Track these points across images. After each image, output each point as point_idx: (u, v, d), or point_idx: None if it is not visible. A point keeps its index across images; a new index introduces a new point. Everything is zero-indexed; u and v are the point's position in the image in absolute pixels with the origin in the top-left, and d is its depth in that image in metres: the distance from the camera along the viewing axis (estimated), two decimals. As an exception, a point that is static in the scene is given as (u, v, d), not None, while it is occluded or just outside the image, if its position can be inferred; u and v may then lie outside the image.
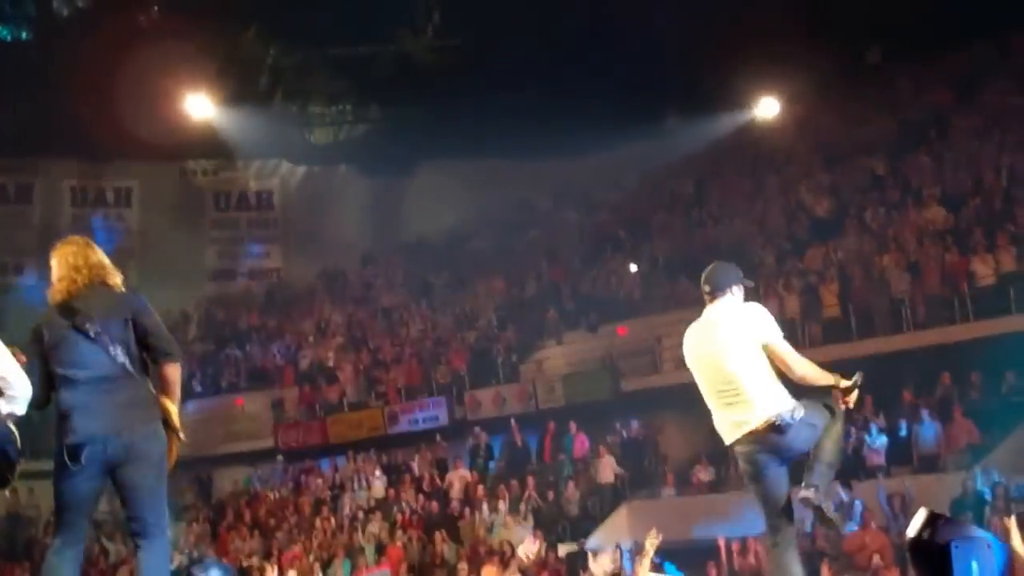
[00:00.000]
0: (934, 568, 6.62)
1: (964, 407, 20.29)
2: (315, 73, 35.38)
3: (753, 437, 6.91)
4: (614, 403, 25.43)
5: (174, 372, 6.21)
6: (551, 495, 24.29)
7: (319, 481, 28.91)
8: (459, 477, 25.96)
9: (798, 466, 7.18)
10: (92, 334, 6.04)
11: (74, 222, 37.65)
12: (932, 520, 7.29)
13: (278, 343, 34.64)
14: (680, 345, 23.16)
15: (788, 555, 7.10)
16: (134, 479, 6.04)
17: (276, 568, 21.06)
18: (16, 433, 5.98)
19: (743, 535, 19.64)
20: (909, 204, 24.68)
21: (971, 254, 21.70)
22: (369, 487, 27.49)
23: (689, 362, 7.25)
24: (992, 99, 26.34)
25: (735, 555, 19.11)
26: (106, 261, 6.33)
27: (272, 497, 28.94)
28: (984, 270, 21.35)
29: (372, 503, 26.79)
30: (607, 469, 24.20)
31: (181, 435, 6.24)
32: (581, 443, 25.31)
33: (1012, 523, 6.36)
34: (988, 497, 18.00)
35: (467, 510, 24.64)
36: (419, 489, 26.68)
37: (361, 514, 26.24)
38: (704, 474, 23.03)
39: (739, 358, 6.95)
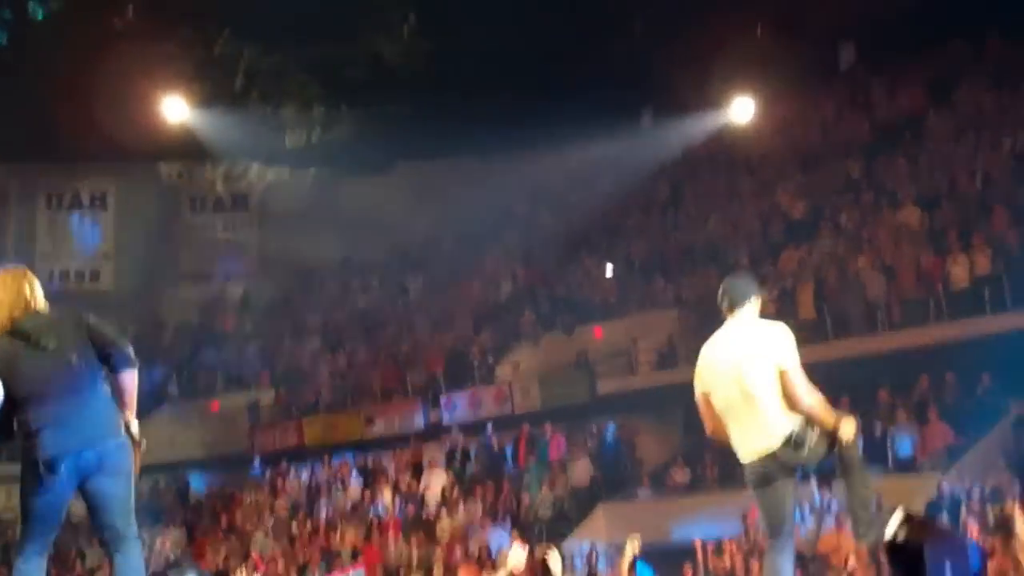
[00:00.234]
0: (908, 569, 6.64)
1: (939, 409, 20.36)
2: (290, 75, 35.24)
3: (770, 456, 7.05)
4: (590, 405, 25.43)
5: (132, 380, 6.25)
6: (527, 498, 24.27)
7: (295, 484, 28.85)
8: (435, 480, 25.93)
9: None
10: (51, 348, 6.06)
11: (49, 225, 37.52)
12: (907, 522, 7.33)
13: (254, 346, 34.54)
14: (655, 348, 23.13)
15: (783, 557, 7.21)
16: (105, 490, 6.11)
17: (250, 572, 21.01)
18: None
19: (719, 536, 19.68)
20: (884, 206, 24.73)
21: (946, 256, 21.75)
22: (345, 490, 27.44)
23: (705, 375, 7.27)
24: (967, 101, 26.41)
25: (710, 556, 19.13)
26: (39, 289, 6.33)
27: (248, 501, 28.86)
28: (959, 272, 21.39)
29: (348, 506, 26.74)
30: (583, 471, 24.20)
31: (143, 444, 6.29)
32: (557, 445, 25.30)
33: (1018, 512, 6.42)
34: (963, 499, 18.06)
35: (443, 512, 24.61)
36: (395, 492, 26.64)
37: (337, 517, 26.21)
38: (680, 476, 23.06)
39: (757, 378, 7.01)
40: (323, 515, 26.73)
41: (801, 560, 17.41)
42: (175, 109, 33.28)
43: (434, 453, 27.28)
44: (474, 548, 22.26)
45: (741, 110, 30.18)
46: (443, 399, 27.93)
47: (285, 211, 37.35)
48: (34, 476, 6.04)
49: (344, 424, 29.68)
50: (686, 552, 19.58)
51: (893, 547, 7.17)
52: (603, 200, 32.10)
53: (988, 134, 24.71)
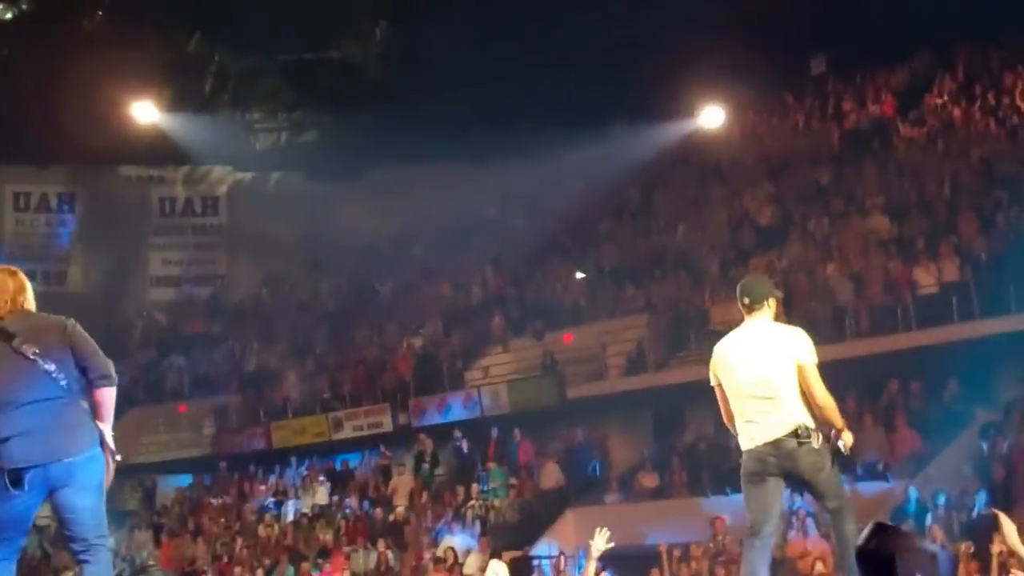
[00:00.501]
0: (879, 578, 6.64)
1: (907, 416, 20.46)
2: (261, 79, 35.20)
3: (775, 444, 7.33)
4: (559, 410, 25.43)
5: (109, 396, 6.18)
6: (496, 502, 24.26)
7: (262, 487, 28.76)
8: (403, 484, 25.89)
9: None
10: (31, 355, 5.99)
11: (17, 227, 37.26)
12: (879, 530, 7.38)
13: (222, 349, 34.42)
14: (625, 353, 23.14)
15: (760, 556, 7.49)
16: (75, 501, 6.04)
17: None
18: None
19: (686, 541, 19.74)
20: (852, 213, 24.86)
21: (914, 263, 21.88)
22: (313, 493, 27.37)
23: (723, 369, 7.55)
24: (935, 110, 26.60)
25: (677, 562, 19.17)
26: (30, 290, 6.28)
27: (215, 504, 28.76)
28: (927, 279, 21.52)
29: (316, 509, 26.68)
30: (551, 476, 24.21)
31: (117, 456, 6.23)
32: (526, 450, 25.31)
33: (1004, 519, 6.50)
34: (930, 505, 18.16)
35: (412, 517, 24.58)
36: (363, 496, 26.60)
37: (305, 520, 26.14)
38: (648, 480, 23.10)
39: (778, 372, 7.34)
40: (290, 518, 26.66)
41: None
42: (144, 112, 33.18)
43: (402, 457, 27.24)
44: (442, 552, 22.23)
45: (711, 118, 30.31)
46: (412, 403, 27.87)
47: (254, 214, 37.22)
48: (1, 484, 5.97)
49: (312, 427, 29.58)
50: (654, 557, 19.61)
51: (864, 555, 7.21)
52: (574, 205, 32.16)
53: (956, 143, 24.88)
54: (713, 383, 7.66)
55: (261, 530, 26.35)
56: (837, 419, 7.42)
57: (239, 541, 26.12)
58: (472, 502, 24.39)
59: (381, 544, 23.70)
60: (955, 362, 19.92)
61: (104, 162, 36.33)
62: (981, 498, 17.66)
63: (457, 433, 26.35)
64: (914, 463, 19.81)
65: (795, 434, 7.30)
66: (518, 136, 30.39)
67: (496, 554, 21.84)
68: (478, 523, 23.57)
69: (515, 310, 29.08)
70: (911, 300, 21.42)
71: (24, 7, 34.29)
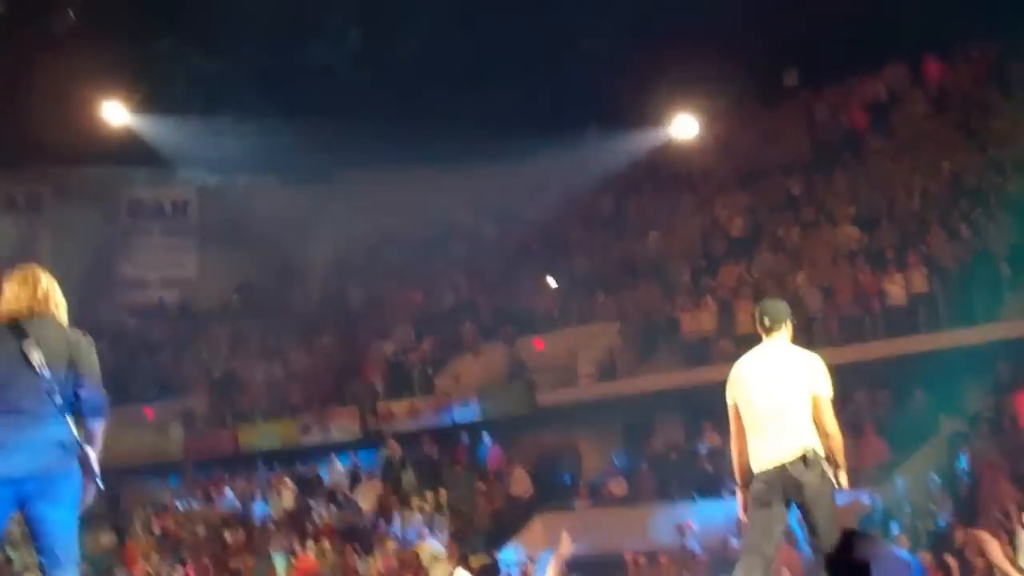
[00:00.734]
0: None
1: (874, 425, 20.55)
2: (234, 82, 35.06)
3: (782, 469, 7.49)
4: (529, 416, 25.44)
5: (101, 427, 6.17)
6: (464, 508, 24.21)
7: (229, 492, 28.61)
8: (371, 489, 25.82)
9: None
10: (35, 363, 5.95)
11: (-18, 227, 37.03)
12: (851, 537, 7.44)
13: (190, 353, 34.25)
14: (596, 360, 23.11)
15: (763, 564, 7.56)
16: (46, 517, 6.00)
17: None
18: None
19: (654, 548, 19.77)
20: (823, 224, 24.98)
21: (883, 274, 22.00)
22: (280, 498, 27.25)
23: (740, 388, 7.73)
24: (906, 122, 26.76)
25: (643, 569, 19.20)
26: (59, 294, 6.26)
27: (181, 508, 28.59)
28: (895, 290, 21.64)
29: (283, 514, 26.56)
30: (522, 482, 24.19)
31: (99, 482, 6.20)
32: (495, 456, 25.29)
33: (985, 536, 6.58)
34: (896, 514, 18.24)
35: (380, 522, 24.50)
36: (331, 501, 26.51)
37: (272, 526, 26.02)
38: (617, 487, 23.10)
39: (793, 397, 7.54)
40: (257, 523, 26.53)
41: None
42: (116, 113, 33.00)
43: (371, 462, 27.16)
44: (410, 558, 22.16)
45: (684, 127, 30.40)
46: (381, 408, 27.81)
47: (224, 218, 37.08)
48: None
49: (280, 432, 29.50)
50: (621, 564, 19.64)
51: (838, 562, 7.30)
52: (546, 213, 32.21)
53: (926, 155, 25.04)
54: (729, 402, 7.82)
55: (227, 534, 26.21)
56: (841, 455, 7.62)
57: (205, 545, 25.97)
58: (440, 508, 24.33)
59: (348, 549, 23.60)
60: (922, 372, 20.04)
61: (73, 163, 36.07)
62: (947, 508, 17.76)
63: (426, 439, 26.29)
64: (881, 472, 19.90)
65: (803, 459, 7.45)
66: (491, 143, 30.36)
67: (463, 560, 21.83)
68: (446, 528, 23.51)
69: (486, 317, 29.08)
70: (880, 310, 21.55)
71: (-6, 7, 34.05)
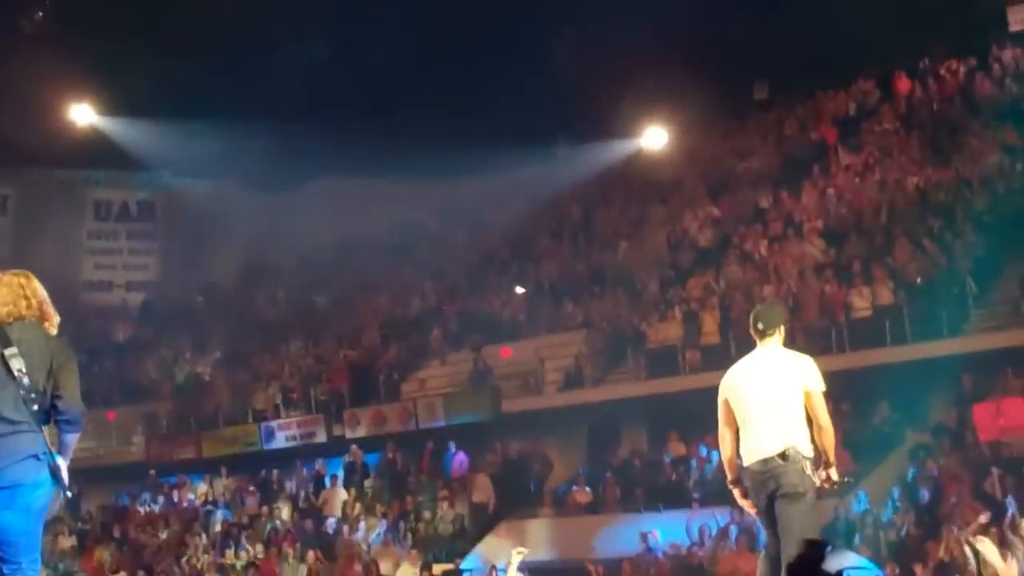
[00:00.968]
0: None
1: (839, 436, 20.55)
2: (203, 86, 34.92)
3: (764, 463, 7.69)
4: (495, 423, 25.40)
5: (74, 439, 6.11)
6: (428, 515, 24.14)
7: (191, 496, 28.43)
8: (335, 495, 25.70)
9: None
10: (15, 371, 5.88)
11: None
12: (813, 547, 7.44)
13: (153, 356, 34.04)
14: (562, 368, 23.07)
15: (769, 565, 7.76)
16: (13, 527, 5.94)
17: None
18: None
19: (617, 556, 19.77)
20: (791, 236, 25.07)
21: (849, 287, 22.09)
22: (242, 503, 27.09)
23: (733, 389, 7.93)
24: (874, 137, 26.92)
25: (608, 576, 19.22)
26: (43, 301, 6.17)
27: (142, 512, 28.39)
28: (861, 303, 21.73)
29: (245, 520, 26.41)
30: (484, 489, 24.14)
31: (69, 492, 6.13)
32: (460, 463, 25.23)
33: (984, 541, 6.66)
34: (858, 525, 18.29)
35: (343, 528, 24.39)
36: (294, 507, 26.38)
37: (234, 530, 25.86)
38: (581, 496, 23.08)
39: (784, 396, 7.73)
40: (218, 528, 26.36)
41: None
42: (83, 115, 32.84)
43: (335, 469, 27.04)
44: (373, 565, 22.08)
45: (654, 138, 30.49)
46: (346, 414, 27.70)
47: (191, 222, 36.92)
48: None
49: (243, 437, 29.33)
50: (584, 572, 19.61)
51: (800, 572, 7.33)
52: (515, 221, 32.24)
53: (893, 170, 25.17)
54: (720, 399, 8.01)
55: (188, 539, 26.03)
56: (832, 448, 7.82)
57: (166, 549, 25.80)
58: (404, 514, 24.25)
59: (311, 556, 23.49)
60: (887, 385, 20.13)
61: (39, 164, 35.86)
62: (909, 519, 17.82)
63: (391, 445, 26.22)
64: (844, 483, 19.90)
65: (784, 454, 7.63)
66: (461, 151, 30.37)
67: (427, 567, 21.79)
68: (410, 535, 23.44)
69: (453, 324, 29.03)
70: (845, 323, 21.62)
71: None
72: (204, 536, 26.03)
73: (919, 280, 21.42)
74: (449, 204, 34.26)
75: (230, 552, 25.00)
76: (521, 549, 10.54)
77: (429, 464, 25.66)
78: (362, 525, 24.31)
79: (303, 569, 23.44)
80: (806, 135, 28.84)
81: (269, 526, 25.70)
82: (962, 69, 27.22)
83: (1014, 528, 15.72)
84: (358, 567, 22.38)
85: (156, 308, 37.41)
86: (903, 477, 19.44)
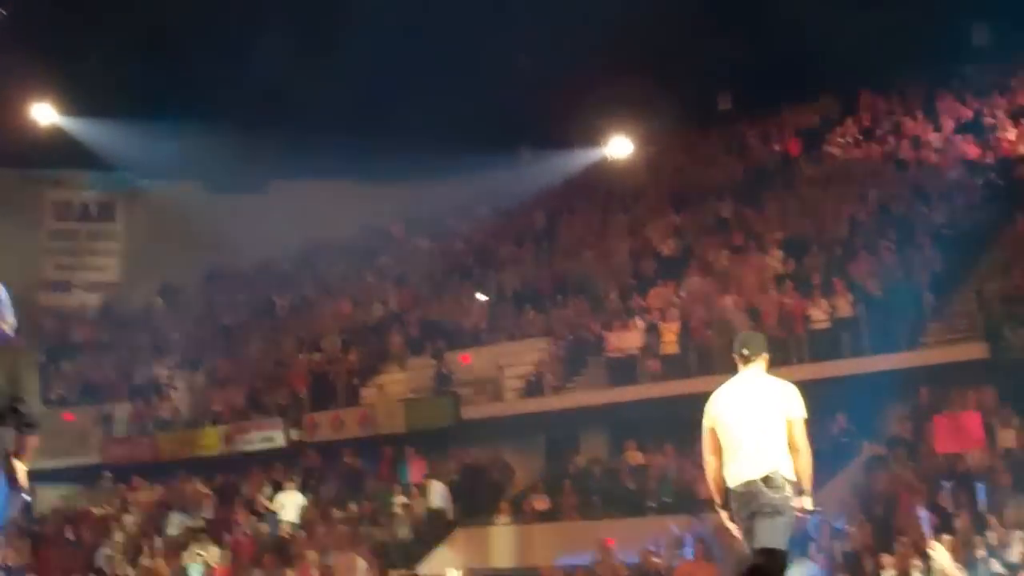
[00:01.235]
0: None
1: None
2: (166, 86, 34.74)
3: (748, 484, 7.91)
4: (454, 430, 25.37)
5: (33, 442, 6.06)
6: (385, 521, 24.06)
7: (147, 499, 28.23)
8: (292, 500, 25.57)
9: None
10: None
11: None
12: (763, 555, 7.55)
13: (112, 357, 33.81)
14: (522, 376, 23.05)
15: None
16: None
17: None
18: None
19: (574, 564, 19.76)
20: (752, 248, 25.19)
21: (808, 299, 22.21)
22: (198, 507, 26.92)
23: (717, 413, 8.13)
24: (836, 151, 27.10)
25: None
26: (8, 306, 6.15)
27: (97, 514, 28.17)
28: (819, 315, 21.86)
29: (201, 523, 26.24)
30: (441, 495, 24.09)
31: (26, 496, 6.20)
32: (418, 469, 25.17)
33: (937, 547, 6.78)
34: (813, 535, 18.35)
35: (300, 533, 24.26)
36: (251, 511, 26.23)
37: (189, 533, 25.69)
38: (539, 503, 23.07)
39: (767, 421, 7.97)
40: (174, 532, 26.18)
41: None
42: (44, 113, 32.61)
43: (293, 473, 26.91)
44: (329, 570, 21.99)
45: (619, 148, 30.56)
46: (305, 418, 27.61)
47: (152, 222, 36.69)
48: None
49: (201, 440, 29.17)
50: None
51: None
52: (479, 228, 32.24)
53: (855, 184, 25.36)
54: (706, 426, 8.19)
55: (143, 543, 25.85)
56: (808, 477, 7.98)
57: (120, 554, 25.61)
58: (361, 520, 24.16)
59: (266, 560, 23.36)
60: (844, 396, 20.20)
61: (0, 163, 35.58)
62: (864, 531, 17.91)
63: (349, 450, 26.13)
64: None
65: (766, 479, 7.84)
66: (426, 157, 30.39)
67: (383, 573, 21.73)
68: (367, 540, 23.34)
69: (414, 329, 28.96)
70: (804, 334, 21.72)
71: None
72: (159, 539, 25.86)
73: (878, 293, 21.56)
74: (413, 210, 34.22)
75: (186, 555, 24.84)
76: (455, 572, 10.64)
77: (387, 470, 25.58)
78: (319, 530, 24.19)
79: (258, 573, 23.30)
80: (769, 147, 29.01)
81: (225, 530, 25.53)
82: (924, 85, 27.46)
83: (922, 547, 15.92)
84: (314, 572, 22.28)
85: (115, 309, 37.15)
86: (859, 488, 19.54)
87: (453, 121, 30.26)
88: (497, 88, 30.13)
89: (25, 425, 6.07)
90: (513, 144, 31.67)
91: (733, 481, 7.99)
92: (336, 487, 26.01)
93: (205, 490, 27.60)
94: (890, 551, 16.71)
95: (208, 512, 26.78)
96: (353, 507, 24.67)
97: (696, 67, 29.43)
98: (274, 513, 25.54)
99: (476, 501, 24.12)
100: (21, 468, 6.07)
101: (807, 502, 7.96)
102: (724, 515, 8.19)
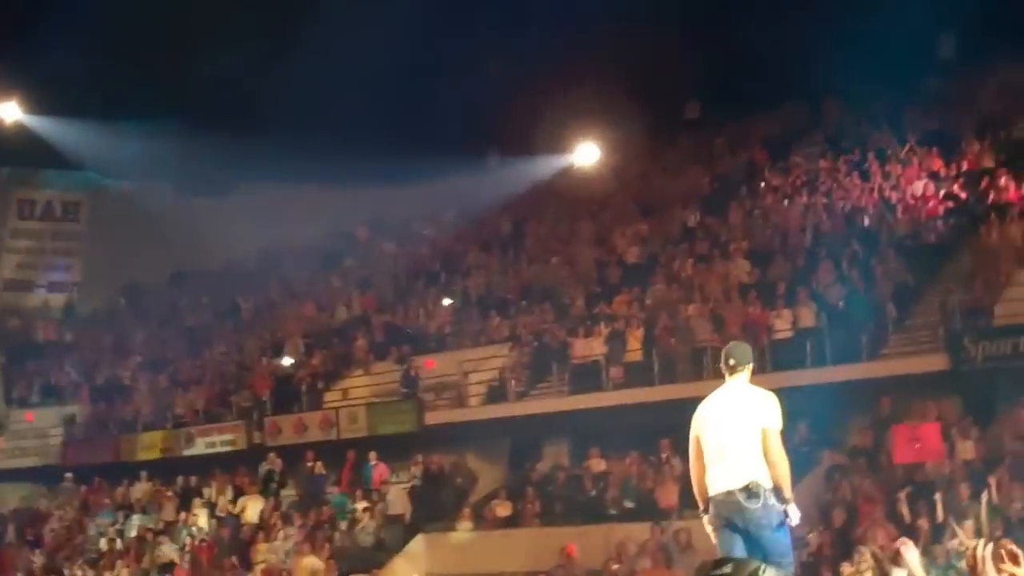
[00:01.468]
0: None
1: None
2: (133, 86, 34.57)
3: (728, 495, 8.10)
4: (417, 435, 25.33)
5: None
6: (346, 525, 23.99)
7: (107, 501, 28.08)
8: (253, 503, 25.49)
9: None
10: None
11: None
12: (719, 565, 7.58)
13: (74, 358, 33.62)
14: (486, 382, 23.07)
15: None
16: None
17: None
18: None
19: (535, 570, 19.76)
20: (716, 256, 25.26)
21: (771, 308, 22.27)
22: (160, 509, 26.79)
23: (701, 423, 8.35)
24: (802, 161, 27.21)
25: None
26: None
27: (58, 515, 28.00)
28: (782, 324, 21.91)
29: (162, 525, 26.13)
30: (403, 500, 24.05)
31: None
32: (380, 473, 25.12)
33: (908, 545, 7.00)
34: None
35: (260, 536, 24.18)
36: (211, 513, 26.12)
37: (150, 536, 25.59)
38: (502, 509, 23.05)
39: (745, 432, 8.14)
40: (134, 533, 26.05)
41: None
42: (9, 111, 32.40)
43: (254, 476, 26.83)
44: (289, 575, 21.92)
45: (586, 154, 30.59)
46: (268, 422, 27.51)
47: (116, 223, 36.46)
48: None
49: (162, 442, 29.06)
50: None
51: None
52: (445, 233, 32.20)
53: (820, 194, 25.46)
54: (692, 435, 8.39)
55: (104, 544, 25.72)
56: (787, 485, 8.16)
57: (81, 554, 25.48)
58: (323, 524, 24.09)
59: (226, 563, 23.27)
60: (806, 406, 20.24)
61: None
62: (824, 540, 17.97)
63: (311, 454, 26.05)
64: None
65: (747, 488, 8.01)
66: (392, 161, 30.33)
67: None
68: (327, 545, 23.26)
69: (379, 334, 28.90)
70: (767, 343, 21.76)
71: None
72: (119, 541, 25.74)
73: (841, 303, 21.65)
74: (378, 214, 34.15)
75: (146, 558, 24.73)
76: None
77: (349, 474, 25.50)
78: (280, 534, 24.10)
79: (219, 577, 23.22)
80: (735, 156, 29.09)
81: (186, 532, 25.43)
82: (890, 96, 27.60)
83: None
84: (275, 576, 22.23)
85: (78, 309, 36.94)
86: (820, 497, 19.61)
87: (420, 126, 30.24)
88: (465, 94, 30.14)
89: None
90: (480, 150, 31.65)
91: (714, 489, 8.17)
92: (298, 491, 25.92)
93: (166, 492, 27.48)
94: (850, 560, 16.76)
95: (169, 514, 26.66)
96: (314, 511, 24.58)
97: (664, 76, 29.49)
98: (235, 516, 25.47)
99: (438, 507, 24.07)
100: None
101: (791, 509, 8.13)
102: (706, 519, 8.34)
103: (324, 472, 25.83)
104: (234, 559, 23.41)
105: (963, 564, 15.21)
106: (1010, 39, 24.57)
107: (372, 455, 25.27)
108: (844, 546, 17.49)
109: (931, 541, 16.62)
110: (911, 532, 16.89)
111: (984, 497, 16.94)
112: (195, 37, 31.65)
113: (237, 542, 24.42)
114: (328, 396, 27.68)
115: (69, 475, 29.51)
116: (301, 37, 31.15)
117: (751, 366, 8.44)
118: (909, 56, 27.39)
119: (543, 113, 29.77)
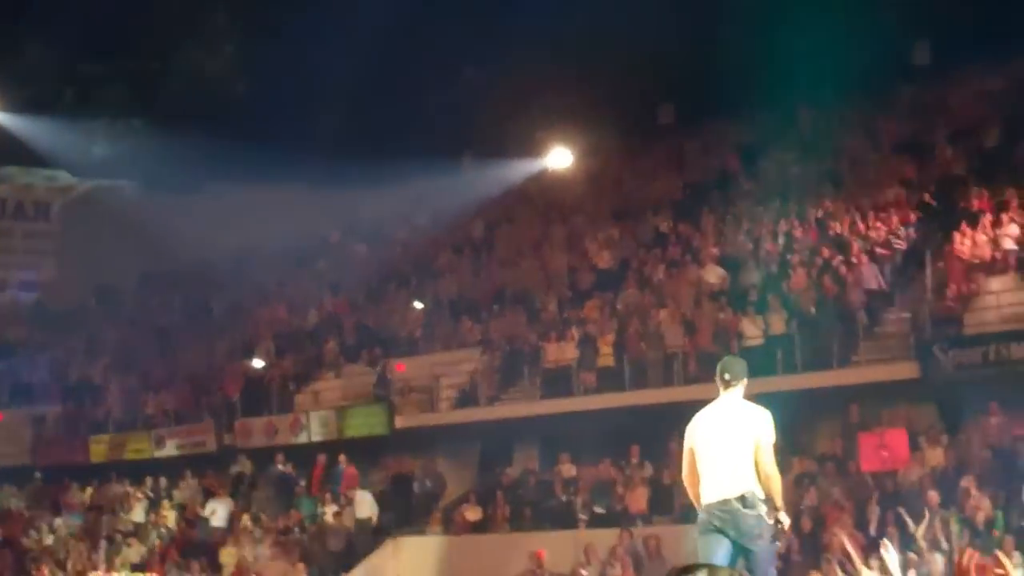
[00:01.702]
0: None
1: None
2: (105, 85, 34.41)
3: (724, 503, 8.43)
4: (388, 439, 25.29)
5: None
6: (315, 528, 23.93)
7: (77, 501, 27.96)
8: (222, 505, 25.41)
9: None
10: None
11: None
12: (685, 572, 7.56)
13: (45, 358, 33.44)
14: (457, 386, 23.09)
15: None
16: None
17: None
18: None
19: (504, 575, 19.75)
20: (688, 262, 25.29)
21: (742, 314, 22.31)
22: (129, 510, 26.68)
23: (696, 434, 8.67)
24: (775, 167, 27.25)
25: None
26: None
27: (26, 515, 27.87)
28: (753, 331, 21.96)
29: (131, 527, 26.02)
30: (368, 505, 23.98)
31: None
32: (350, 477, 25.04)
33: (888, 547, 7.23)
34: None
35: (228, 539, 24.11)
36: (180, 515, 26.03)
37: (119, 537, 25.50)
38: (471, 514, 23.03)
39: (739, 444, 8.53)
40: (103, 534, 25.93)
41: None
42: (-21, 110, 32.21)
43: (223, 478, 26.74)
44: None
45: (559, 159, 30.59)
46: (238, 424, 27.42)
47: (88, 222, 36.28)
48: None
49: (133, 443, 28.95)
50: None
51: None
52: (418, 236, 32.15)
53: (792, 200, 25.50)
54: (686, 447, 8.73)
55: (72, 545, 25.59)
56: (778, 496, 8.58)
57: (49, 555, 25.35)
58: (292, 527, 24.03)
59: (195, 566, 23.19)
60: (776, 412, 20.23)
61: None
62: (792, 546, 18.01)
63: (281, 457, 25.97)
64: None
65: (742, 499, 8.38)
66: (365, 164, 30.25)
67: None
68: (296, 548, 23.21)
69: (350, 337, 28.84)
70: (737, 350, 21.77)
71: None
72: (89, 542, 25.62)
73: (812, 310, 21.70)
74: (351, 216, 34.05)
75: (117, 559, 24.63)
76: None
77: (319, 477, 25.42)
78: (249, 536, 24.03)
79: (187, 579, 23.15)
80: (708, 162, 29.13)
81: (155, 534, 25.35)
82: (864, 103, 27.70)
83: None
84: (243, 579, 22.16)
85: (49, 309, 36.72)
86: (787, 504, 19.63)
87: (393, 129, 30.21)
88: (438, 97, 30.13)
89: None
90: (453, 153, 31.61)
91: (708, 498, 8.49)
92: (267, 494, 25.83)
93: (136, 494, 27.37)
94: (818, 567, 16.82)
95: (138, 515, 26.56)
96: (284, 514, 24.51)
97: (637, 81, 29.53)
98: (205, 519, 25.38)
99: (408, 511, 24.05)
100: None
101: (783, 516, 8.51)
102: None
103: (294, 475, 25.75)
104: (203, 561, 23.32)
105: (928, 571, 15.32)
106: (983, 47, 24.69)
107: (342, 458, 25.21)
108: (813, 552, 17.56)
109: (899, 547, 16.67)
110: (879, 539, 16.95)
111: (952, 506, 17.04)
112: (168, 37, 31.56)
113: (206, 544, 24.33)
114: (299, 398, 27.60)
115: (38, 475, 29.37)
116: (275, 39, 31.11)
117: (746, 381, 8.79)
118: (882, 63, 27.53)
119: (516, 117, 29.80)
